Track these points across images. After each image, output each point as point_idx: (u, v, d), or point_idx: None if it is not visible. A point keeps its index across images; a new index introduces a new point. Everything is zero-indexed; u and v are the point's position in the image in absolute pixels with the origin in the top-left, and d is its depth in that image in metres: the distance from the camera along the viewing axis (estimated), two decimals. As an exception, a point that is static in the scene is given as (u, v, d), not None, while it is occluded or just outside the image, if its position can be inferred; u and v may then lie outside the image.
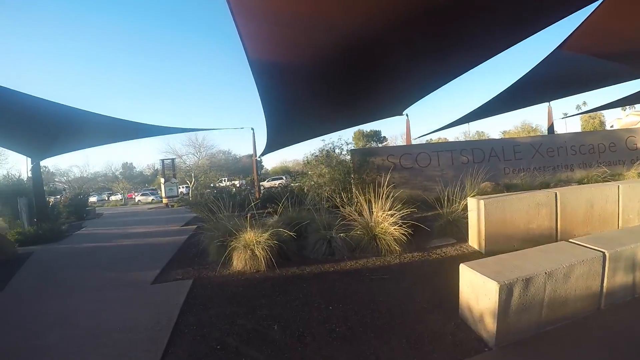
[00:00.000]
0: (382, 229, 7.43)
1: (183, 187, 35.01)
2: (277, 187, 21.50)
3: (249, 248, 7.10)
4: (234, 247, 7.27)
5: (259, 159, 75.28)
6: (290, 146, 25.00)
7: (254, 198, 14.89)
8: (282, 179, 47.50)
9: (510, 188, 12.33)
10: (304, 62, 8.37)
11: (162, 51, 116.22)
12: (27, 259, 9.97)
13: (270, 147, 22.35)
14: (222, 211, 8.51)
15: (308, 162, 14.58)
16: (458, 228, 8.01)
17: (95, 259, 9.57)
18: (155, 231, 13.81)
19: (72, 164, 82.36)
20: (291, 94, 10.99)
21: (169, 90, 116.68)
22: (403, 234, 7.17)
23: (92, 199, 47.71)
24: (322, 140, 14.05)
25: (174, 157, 36.06)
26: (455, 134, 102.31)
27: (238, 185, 26.67)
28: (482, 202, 7.11)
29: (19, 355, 4.44)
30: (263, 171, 69.82)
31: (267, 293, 5.76)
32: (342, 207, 8.28)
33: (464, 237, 7.75)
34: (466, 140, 23.65)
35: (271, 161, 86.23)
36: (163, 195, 29.12)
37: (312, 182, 13.16)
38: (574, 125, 75.16)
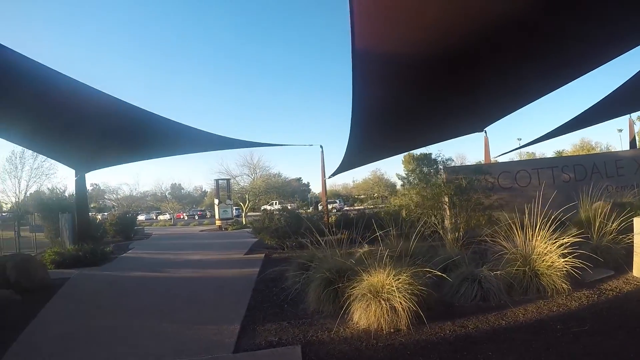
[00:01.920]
0: (545, 262, 5.77)
1: (234, 210, 33.14)
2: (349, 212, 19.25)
3: (381, 297, 4.64)
4: (356, 295, 4.86)
5: (307, 183, 74.43)
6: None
7: (325, 223, 12.71)
8: (335, 202, 45.72)
9: (626, 207, 9.86)
10: (420, 52, 6.81)
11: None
12: (59, 289, 7.85)
13: (345, 166, 20.60)
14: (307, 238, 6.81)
15: (408, 180, 12.32)
16: (610, 255, 6.60)
17: (145, 296, 7.28)
18: (215, 260, 11.62)
19: (122, 182, 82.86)
20: (389, 97, 9.34)
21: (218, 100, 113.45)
22: (575, 268, 5.58)
23: (141, 217, 47.42)
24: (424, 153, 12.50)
25: (228, 177, 34.06)
26: (508, 156, 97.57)
27: (294, 207, 24.50)
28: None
29: None
30: (310, 194, 68.25)
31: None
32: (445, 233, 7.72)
33: (620, 265, 6.50)
34: (567, 156, 21.59)
35: (320, 185, 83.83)
36: (217, 217, 27.17)
37: (411, 203, 10.68)
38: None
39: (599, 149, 50.82)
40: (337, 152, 78.03)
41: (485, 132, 17.42)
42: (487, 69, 8.27)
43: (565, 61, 8.32)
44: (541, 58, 7.93)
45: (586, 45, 7.53)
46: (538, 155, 55.60)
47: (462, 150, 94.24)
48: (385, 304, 4.54)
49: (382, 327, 4.50)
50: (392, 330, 4.48)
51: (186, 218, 55.07)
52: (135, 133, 10.63)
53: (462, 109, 11.92)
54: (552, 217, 6.18)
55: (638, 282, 5.89)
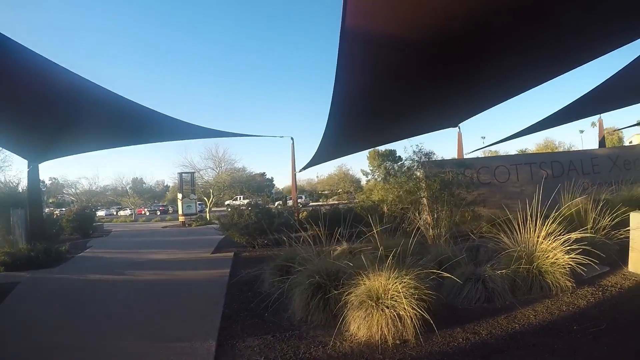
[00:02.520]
0: (549, 259, 5.57)
1: (198, 205, 31.90)
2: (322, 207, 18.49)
3: (384, 304, 4.06)
4: (353, 302, 4.25)
5: (270, 178, 73.31)
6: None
7: (296, 219, 12.07)
8: (301, 197, 45.19)
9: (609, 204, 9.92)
10: (409, 34, 6.42)
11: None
12: (7, 296, 6.85)
13: (318, 159, 20.09)
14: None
15: (389, 174, 11.80)
16: (604, 251, 6.32)
17: (102, 304, 6.39)
18: (181, 259, 10.71)
19: (81, 176, 78.68)
20: (371, 84, 8.87)
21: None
22: (579, 264, 5.43)
23: (100, 213, 45.62)
24: (416, 145, 11.83)
25: (192, 170, 32.59)
26: (474, 155, 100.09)
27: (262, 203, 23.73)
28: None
29: None
30: (274, 190, 67.33)
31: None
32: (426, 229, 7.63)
33: (615, 261, 6.39)
34: (545, 153, 21.97)
35: (284, 179, 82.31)
36: (180, 212, 26.00)
37: (392, 197, 10.21)
38: (589, 143, 74.05)
39: (562, 148, 51.83)
40: (305, 149, 77.56)
41: (459, 127, 17.54)
42: (470, 59, 7.96)
43: (554, 54, 8.24)
44: (528, 50, 7.79)
45: (572, 41, 7.57)
46: (502, 154, 56.90)
47: (427, 147, 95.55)
48: (390, 312, 3.95)
49: (386, 338, 3.93)
50: (398, 341, 3.93)
51: (148, 214, 53.63)
52: (95, 116, 9.52)
53: (442, 101, 11.69)
54: (541, 213, 6.02)
55: (636, 277, 5.83)
